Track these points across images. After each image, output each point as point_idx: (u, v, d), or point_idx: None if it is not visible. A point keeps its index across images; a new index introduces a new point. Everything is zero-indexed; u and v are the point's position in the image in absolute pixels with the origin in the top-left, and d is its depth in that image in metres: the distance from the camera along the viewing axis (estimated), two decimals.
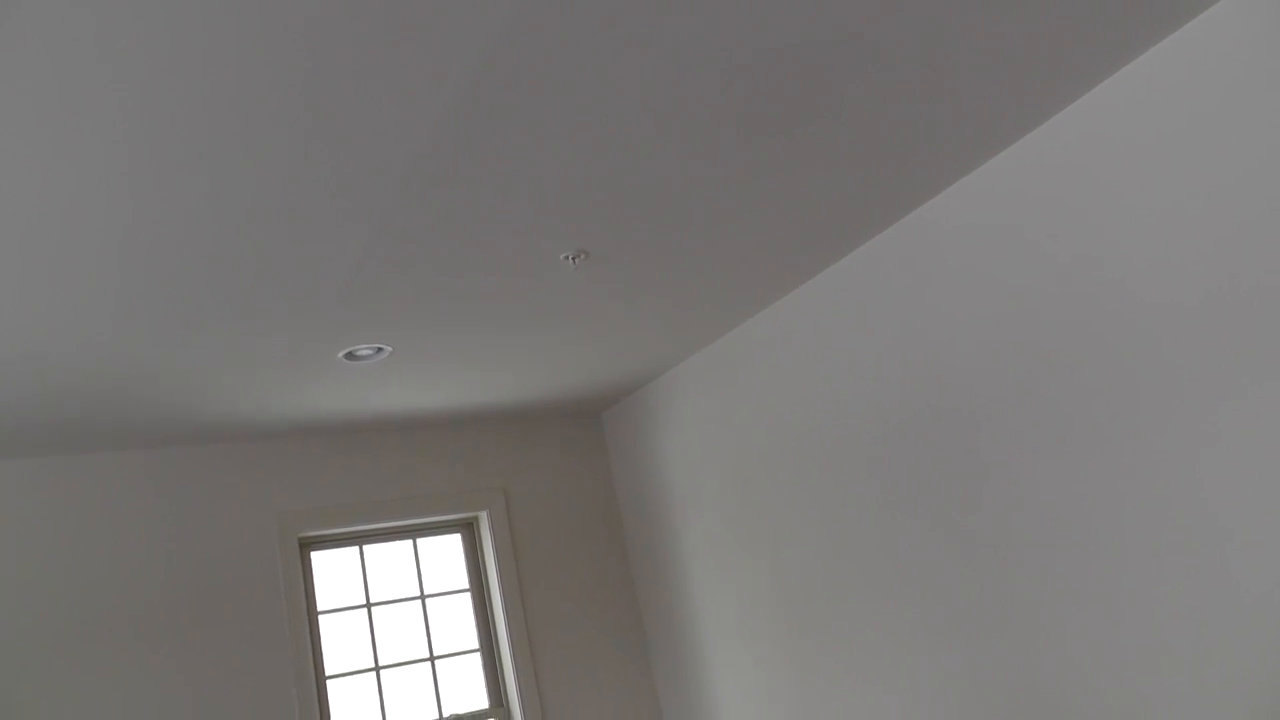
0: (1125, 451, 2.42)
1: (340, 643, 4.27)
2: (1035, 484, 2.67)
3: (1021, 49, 2.14)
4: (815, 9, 1.85)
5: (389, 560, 4.51)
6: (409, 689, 4.35)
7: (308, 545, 4.32)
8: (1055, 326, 2.59)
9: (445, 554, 4.65)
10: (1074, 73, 2.29)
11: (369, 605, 4.38)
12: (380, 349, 3.33)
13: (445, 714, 4.37)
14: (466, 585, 4.63)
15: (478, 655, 4.54)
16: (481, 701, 4.49)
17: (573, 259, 2.87)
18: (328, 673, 4.20)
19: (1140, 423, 2.37)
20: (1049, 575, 2.64)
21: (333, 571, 4.37)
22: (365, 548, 4.46)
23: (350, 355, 3.32)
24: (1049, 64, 2.23)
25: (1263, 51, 2.06)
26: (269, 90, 1.77)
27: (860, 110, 2.29)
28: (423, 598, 4.51)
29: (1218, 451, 2.21)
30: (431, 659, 4.44)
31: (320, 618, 4.26)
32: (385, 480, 4.45)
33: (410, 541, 4.56)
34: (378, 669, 4.31)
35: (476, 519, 4.67)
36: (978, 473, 2.86)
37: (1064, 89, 2.36)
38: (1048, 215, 2.58)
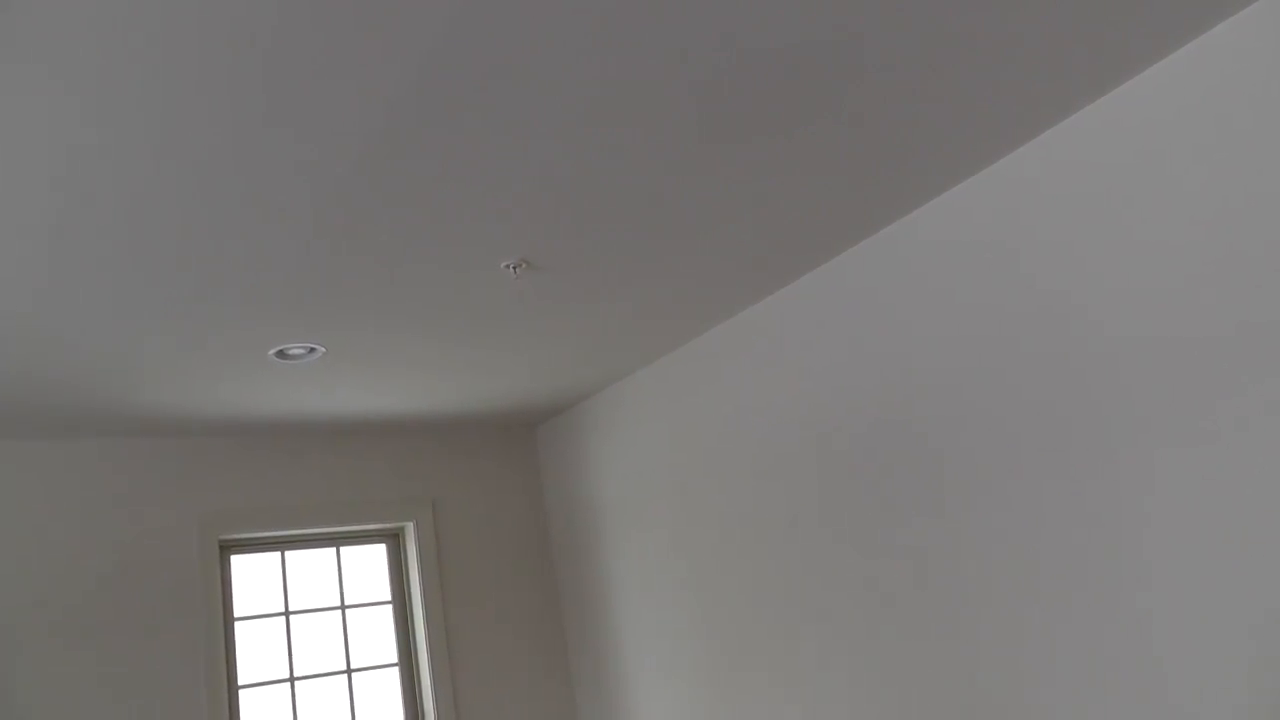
0: (1077, 481, 2.44)
1: (256, 651, 4.18)
2: (981, 509, 2.69)
3: (1001, 71, 2.15)
4: (789, 11, 1.84)
5: (311, 568, 4.43)
6: (324, 702, 4.26)
7: (229, 548, 4.23)
8: (1007, 353, 2.63)
9: (369, 564, 4.58)
10: (1053, 98, 2.31)
11: (287, 613, 4.30)
12: (313, 349, 3.28)
13: None
14: (389, 597, 4.56)
15: (396, 670, 4.47)
16: (398, 718, 4.42)
17: (514, 268, 2.86)
18: (240, 682, 4.10)
19: (1094, 454, 2.40)
20: (990, 603, 2.66)
21: (252, 577, 4.28)
22: (287, 554, 4.38)
23: (282, 354, 3.27)
24: (1027, 89, 2.24)
25: (1246, 84, 2.12)
26: (209, 79, 1.74)
27: (825, 124, 2.28)
28: (343, 608, 4.44)
29: (1169, 488, 2.24)
30: (349, 671, 4.36)
31: (236, 624, 4.16)
32: (312, 485, 4.38)
33: (334, 549, 4.49)
34: (292, 680, 4.21)
35: (403, 529, 4.61)
36: (917, 497, 2.88)
37: (1041, 115, 2.38)
38: (1013, 241, 2.61)
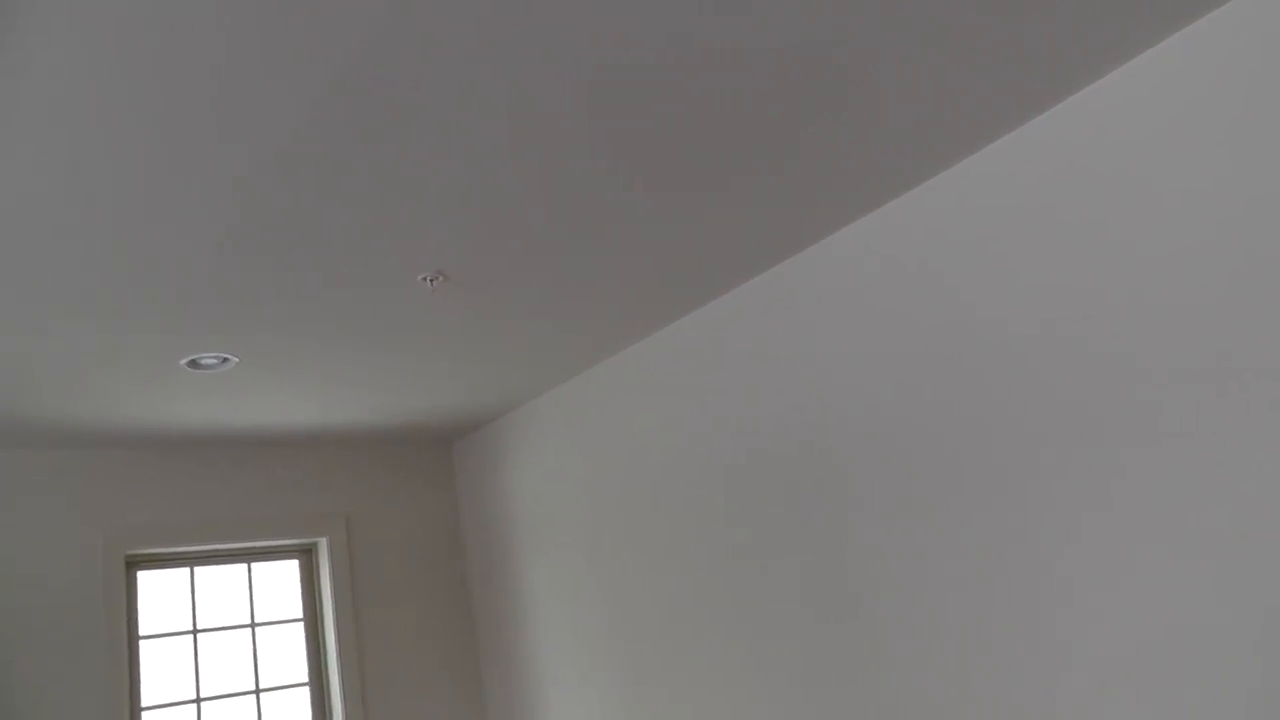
0: (987, 509, 2.50)
1: (161, 671, 4.09)
2: (894, 536, 2.75)
3: (914, 103, 2.22)
4: (707, 33, 1.88)
5: (221, 584, 4.36)
6: None
7: (135, 564, 4.14)
8: (918, 375, 2.72)
9: (280, 581, 4.52)
10: (965, 131, 2.40)
11: (195, 631, 4.22)
12: (226, 359, 3.26)
13: None
14: (300, 615, 4.50)
15: (306, 689, 4.41)
16: None
17: (430, 280, 2.86)
18: (144, 703, 4.01)
19: (998, 484, 2.47)
20: (902, 629, 2.71)
21: (160, 593, 4.20)
22: (197, 570, 4.30)
23: (194, 363, 3.24)
24: (941, 120, 2.32)
25: (1168, 114, 2.25)
26: (116, 80, 1.73)
27: (742, 150, 2.33)
28: (253, 626, 4.37)
29: (1077, 504, 2.34)
30: (257, 691, 4.29)
31: (142, 642, 4.07)
32: (223, 499, 4.32)
33: (245, 566, 4.42)
34: (199, 700, 4.13)
35: (316, 545, 4.56)
36: (829, 524, 2.94)
37: (955, 146, 2.46)
38: (923, 266, 2.70)
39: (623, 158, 2.32)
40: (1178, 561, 2.10)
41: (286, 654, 4.42)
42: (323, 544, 4.52)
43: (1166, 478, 2.12)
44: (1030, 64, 2.13)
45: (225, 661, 4.25)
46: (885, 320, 2.75)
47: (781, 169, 2.47)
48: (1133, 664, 2.17)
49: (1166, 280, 2.12)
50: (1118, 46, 2.12)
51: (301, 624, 4.49)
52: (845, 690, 2.85)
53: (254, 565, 4.45)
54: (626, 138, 2.23)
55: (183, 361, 3.22)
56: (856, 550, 2.83)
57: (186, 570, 4.28)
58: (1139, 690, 2.15)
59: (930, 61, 2.07)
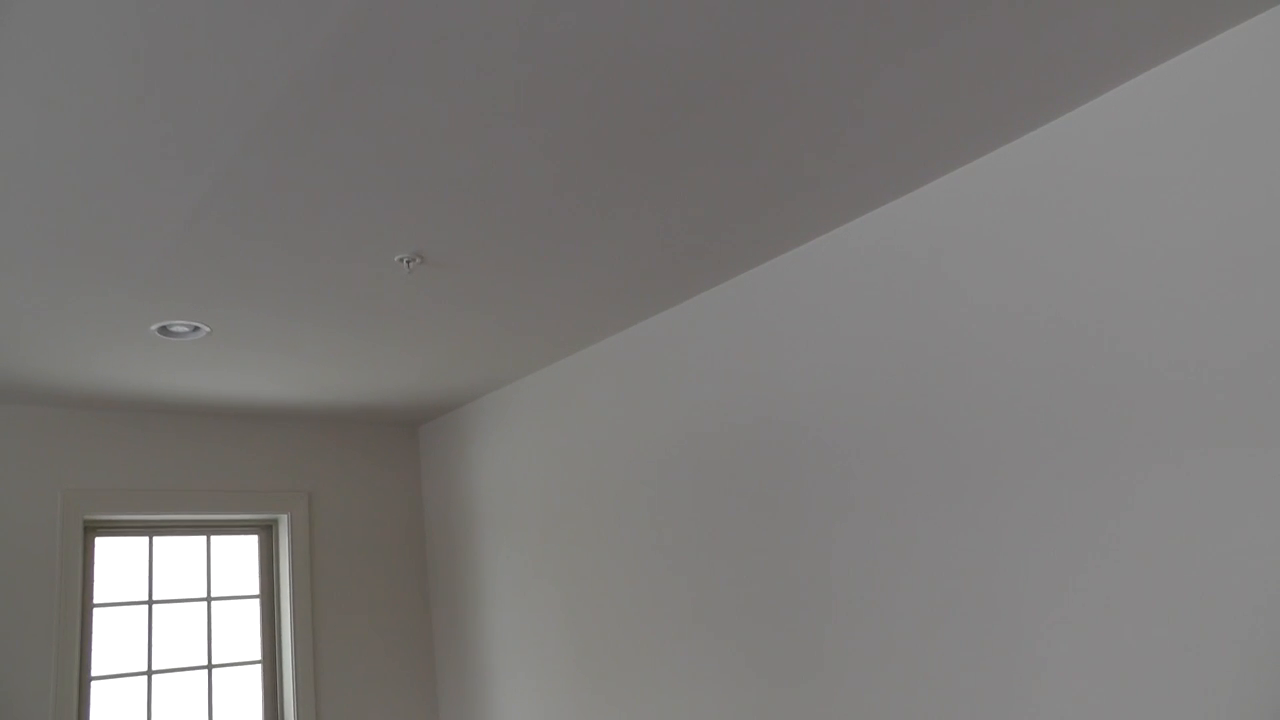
0: (944, 516, 2.55)
1: (113, 640, 4.05)
2: (850, 538, 2.80)
3: (901, 112, 2.26)
4: (686, 36, 1.90)
5: (179, 556, 4.33)
6: (181, 698, 4.15)
7: (93, 529, 4.11)
8: (874, 384, 2.77)
9: (239, 555, 4.50)
10: (935, 155, 2.45)
11: (150, 602, 4.19)
12: (197, 328, 3.25)
13: None
14: (257, 591, 4.48)
15: (259, 668, 4.39)
16: (256, 718, 4.33)
17: (407, 262, 2.87)
18: (94, 673, 3.97)
19: (961, 493, 2.52)
20: (857, 629, 2.75)
21: (116, 561, 4.17)
22: (156, 539, 4.28)
23: (165, 330, 3.24)
24: (910, 143, 2.37)
25: (1181, 123, 2.30)
26: (95, 41, 1.74)
27: (722, 151, 2.36)
28: (209, 600, 4.35)
29: (1039, 535, 2.38)
30: (209, 667, 4.26)
31: (95, 610, 4.04)
32: (187, 469, 4.29)
33: (205, 538, 4.40)
34: (150, 673, 4.10)
35: (276, 522, 4.54)
36: (789, 523, 2.98)
37: (920, 169, 2.52)
38: (891, 279, 2.76)
39: (602, 150, 2.33)
40: (1180, 564, 2.14)
41: (241, 630, 4.40)
42: (283, 521, 4.51)
43: (1159, 483, 2.16)
44: (1032, 75, 2.18)
45: (179, 634, 4.22)
46: (854, 321, 2.79)
47: (754, 170, 2.50)
48: (1114, 668, 2.21)
49: (1165, 281, 2.16)
50: (1133, 58, 2.15)
51: (258, 601, 4.47)
52: (804, 689, 2.88)
53: (213, 538, 4.43)
54: (607, 131, 2.24)
55: (154, 327, 3.21)
56: (820, 549, 2.86)
57: (145, 539, 4.25)
58: (1116, 697, 2.19)
59: (922, 78, 2.12)
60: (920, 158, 2.49)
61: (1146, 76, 2.16)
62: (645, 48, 1.95)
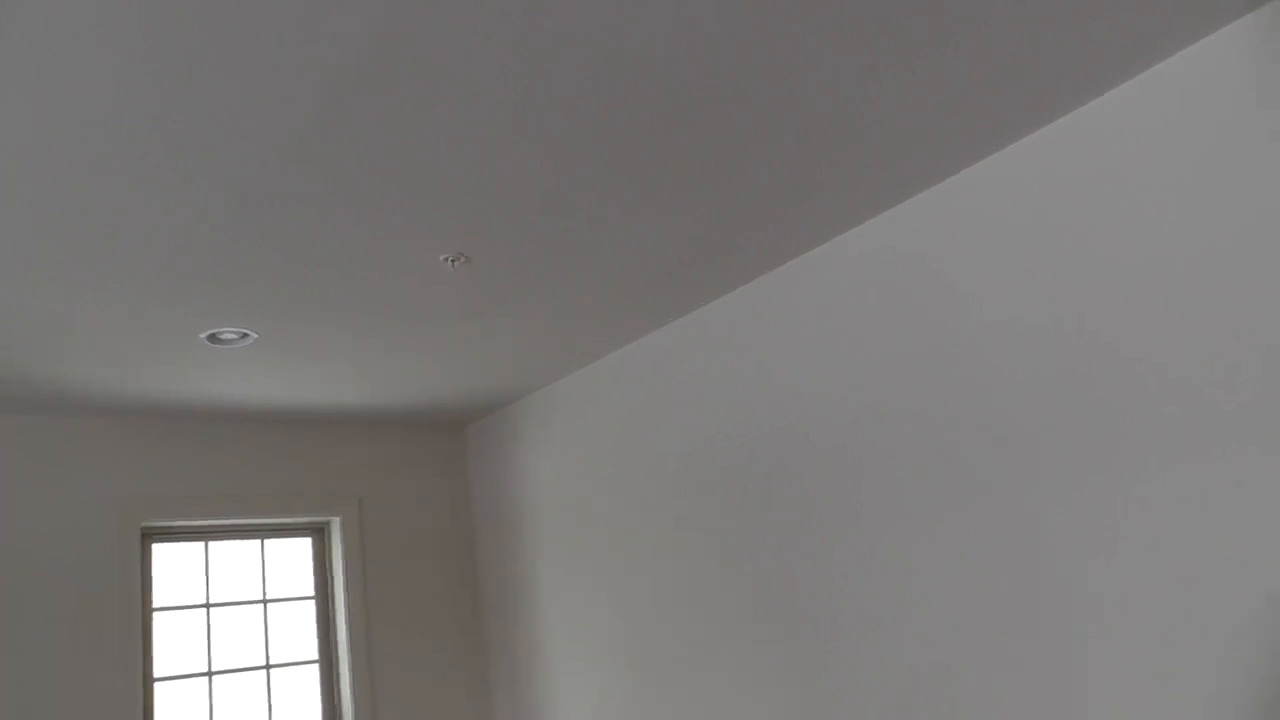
0: (969, 517, 2.55)
1: (173, 643, 4.12)
2: (884, 537, 2.79)
3: (900, 122, 2.24)
4: (718, 23, 1.90)
5: (234, 560, 4.39)
6: (241, 698, 4.21)
7: (150, 536, 4.17)
8: (908, 383, 2.74)
9: (293, 558, 4.54)
10: (948, 153, 2.42)
11: (208, 605, 4.25)
12: (245, 334, 3.28)
13: None
14: (312, 593, 4.53)
15: (316, 667, 4.44)
16: (315, 716, 4.38)
17: (452, 261, 2.86)
18: (156, 674, 4.04)
19: (984, 495, 2.51)
20: (887, 623, 2.75)
21: (174, 566, 4.23)
22: (211, 544, 4.33)
23: (214, 337, 3.26)
24: (925, 142, 2.34)
25: (1183, 122, 2.25)
26: (136, 47, 1.74)
27: (758, 141, 2.35)
28: (265, 602, 4.40)
29: (1067, 537, 2.35)
30: (268, 667, 4.31)
31: (155, 614, 4.10)
32: (238, 475, 4.34)
33: (259, 542, 4.45)
34: (210, 674, 4.16)
35: (328, 524, 4.58)
36: (832, 521, 2.96)
37: (939, 165, 2.49)
38: (913, 279, 2.74)
39: (642, 146, 2.32)
40: (1193, 564, 2.10)
41: (297, 631, 4.45)
42: (335, 523, 4.55)
43: (1163, 486, 2.12)
44: (1035, 78, 2.14)
45: (237, 636, 4.28)
46: (899, 317, 2.76)
47: (787, 170, 2.48)
48: (1128, 669, 2.17)
49: (1173, 284, 2.12)
50: (1131, 59, 2.12)
51: (313, 602, 4.52)
52: (844, 687, 2.85)
53: (267, 542, 4.48)
54: (646, 128, 2.23)
55: (203, 335, 3.24)
56: (864, 546, 2.83)
57: (201, 544, 4.31)
58: (1130, 697, 2.15)
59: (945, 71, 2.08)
60: (950, 147, 2.45)
61: (1163, 66, 2.11)
62: (665, 55, 1.94)
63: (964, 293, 2.56)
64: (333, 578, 4.55)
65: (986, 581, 2.47)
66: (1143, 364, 2.17)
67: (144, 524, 4.09)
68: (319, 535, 4.60)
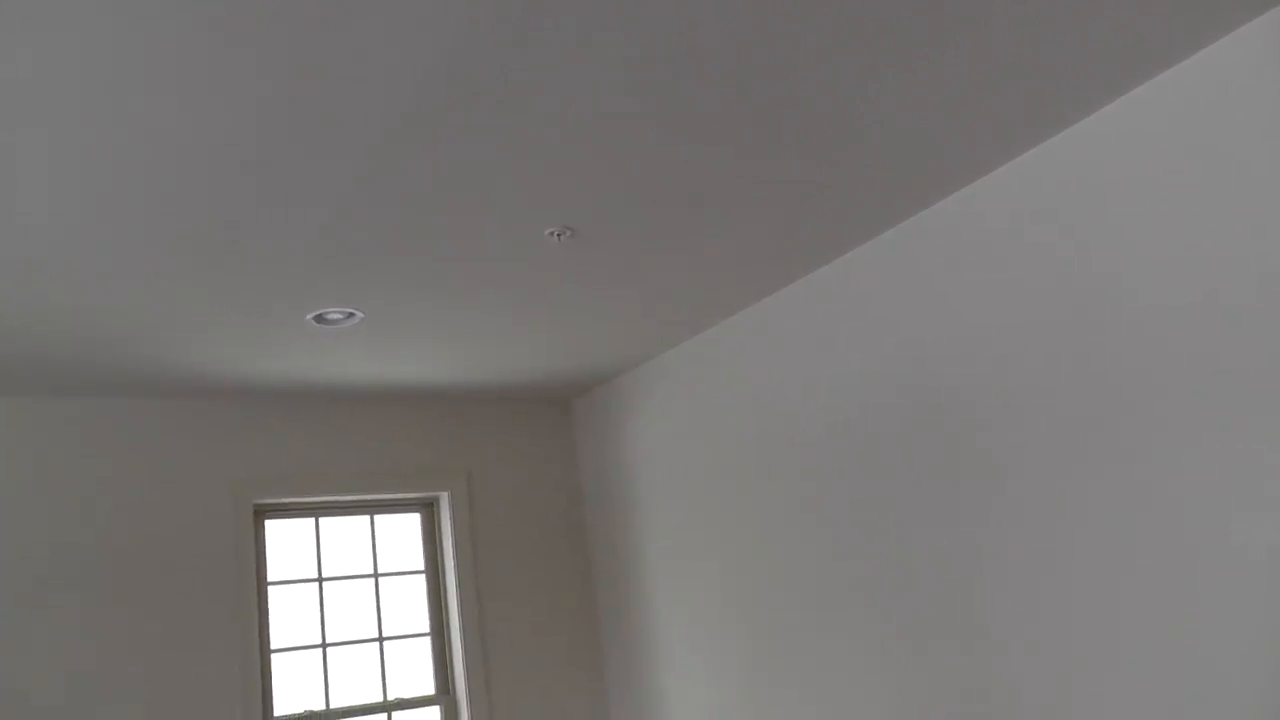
0: (1096, 475, 2.40)
1: (288, 616, 4.18)
2: (1002, 501, 2.65)
3: (1019, 66, 2.10)
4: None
5: (345, 535, 4.42)
6: (355, 669, 4.26)
7: (263, 513, 4.22)
8: (1034, 348, 2.56)
9: (403, 533, 4.56)
10: (1066, 99, 2.26)
11: (320, 580, 4.29)
12: (352, 314, 3.25)
13: (390, 698, 4.28)
14: (422, 567, 4.54)
15: (428, 640, 4.46)
16: (428, 687, 4.41)
17: (558, 235, 2.80)
18: (273, 646, 4.11)
19: (1123, 453, 2.35)
20: (1008, 589, 2.61)
21: (286, 542, 4.27)
22: (321, 520, 4.36)
23: (320, 318, 3.24)
24: (1042, 87, 2.20)
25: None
26: (246, 32, 1.70)
27: (861, 112, 2.27)
28: (376, 576, 4.42)
29: (1202, 484, 2.17)
30: (380, 640, 4.35)
31: (270, 589, 4.16)
32: (348, 452, 4.36)
33: (368, 517, 4.47)
34: (324, 646, 4.21)
35: (437, 499, 4.58)
36: (943, 489, 2.83)
37: (1054, 114, 2.33)
38: (1040, 233, 2.56)
39: (748, 117, 2.25)
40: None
41: (409, 604, 4.47)
42: (444, 499, 4.54)
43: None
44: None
45: (349, 609, 4.32)
46: (1013, 281, 2.56)
47: (893, 133, 2.37)
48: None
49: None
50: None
51: (424, 576, 4.53)
52: (956, 655, 2.71)
53: (377, 517, 4.50)
54: (752, 99, 2.17)
55: (309, 316, 3.22)
56: (977, 520, 2.66)
57: (312, 521, 4.34)
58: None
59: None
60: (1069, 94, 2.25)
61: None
62: (780, 43, 1.80)
63: (1102, 245, 2.36)
64: (442, 552, 4.55)
65: (1146, 577, 2.28)
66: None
67: (256, 501, 4.14)
68: (428, 510, 4.60)
